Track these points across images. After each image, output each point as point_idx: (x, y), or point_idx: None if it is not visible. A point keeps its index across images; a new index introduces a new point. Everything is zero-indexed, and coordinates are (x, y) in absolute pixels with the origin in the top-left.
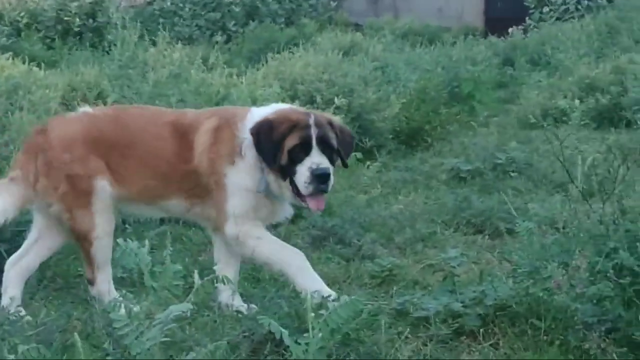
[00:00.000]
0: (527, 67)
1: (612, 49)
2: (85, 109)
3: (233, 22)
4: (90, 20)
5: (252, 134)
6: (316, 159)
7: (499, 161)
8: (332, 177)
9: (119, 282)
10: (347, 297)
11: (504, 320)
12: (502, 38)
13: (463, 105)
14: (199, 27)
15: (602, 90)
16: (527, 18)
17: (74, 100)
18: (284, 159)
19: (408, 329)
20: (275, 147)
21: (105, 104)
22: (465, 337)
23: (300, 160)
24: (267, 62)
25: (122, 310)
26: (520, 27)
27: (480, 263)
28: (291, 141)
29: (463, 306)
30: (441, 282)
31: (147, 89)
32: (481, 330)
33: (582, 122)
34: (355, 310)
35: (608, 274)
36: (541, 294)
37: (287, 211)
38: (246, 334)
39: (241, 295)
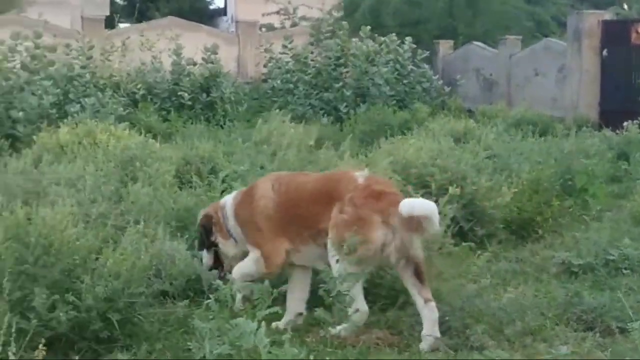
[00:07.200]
0: None
1: None
2: (365, 172)
3: (344, 104)
4: (204, 95)
5: None
6: None
7: (612, 257)
8: None
9: None
10: None
11: None
12: (617, 132)
13: (575, 198)
14: (312, 106)
15: None
16: None
17: (187, 173)
18: None
19: None
20: None
21: (217, 178)
22: None
23: None
24: (378, 145)
25: None
26: (635, 121)
27: None
28: None
29: None
30: None
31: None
32: None
33: None
34: None
35: None
36: None
37: None
38: None
39: None
